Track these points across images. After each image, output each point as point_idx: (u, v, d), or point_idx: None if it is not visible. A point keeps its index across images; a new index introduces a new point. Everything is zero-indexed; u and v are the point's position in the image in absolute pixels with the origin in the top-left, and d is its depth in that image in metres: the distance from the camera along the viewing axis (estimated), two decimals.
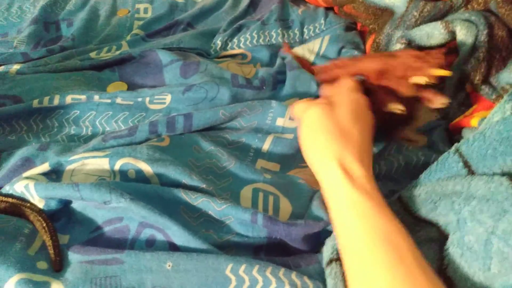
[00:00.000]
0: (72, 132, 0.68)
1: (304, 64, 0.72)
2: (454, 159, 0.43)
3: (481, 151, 0.40)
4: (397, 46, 0.75)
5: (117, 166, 0.56)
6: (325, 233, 0.52)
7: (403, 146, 0.63)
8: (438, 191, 0.46)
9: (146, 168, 0.56)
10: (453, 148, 0.44)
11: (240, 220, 0.51)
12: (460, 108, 0.70)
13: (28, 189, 0.53)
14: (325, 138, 0.49)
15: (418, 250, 0.40)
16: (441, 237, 0.44)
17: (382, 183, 0.58)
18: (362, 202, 0.44)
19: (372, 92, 0.59)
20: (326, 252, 0.49)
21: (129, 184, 0.52)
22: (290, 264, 0.49)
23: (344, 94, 0.54)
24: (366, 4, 0.83)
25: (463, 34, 0.68)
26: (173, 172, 0.55)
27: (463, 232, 0.36)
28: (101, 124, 0.68)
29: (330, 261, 0.48)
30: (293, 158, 0.64)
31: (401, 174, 0.61)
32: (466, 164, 0.42)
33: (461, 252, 0.36)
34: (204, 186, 0.55)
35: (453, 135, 0.67)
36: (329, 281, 0.48)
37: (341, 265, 0.47)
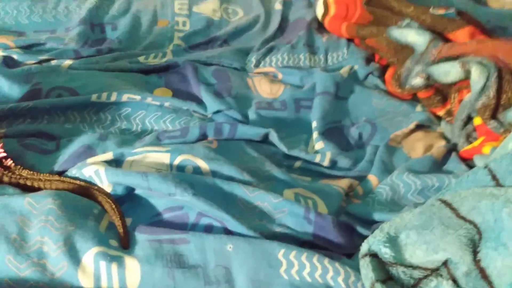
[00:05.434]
0: (123, 127, 0.73)
1: None
2: (484, 172, 0.52)
3: (509, 168, 0.49)
4: (417, 80, 0.85)
5: (176, 161, 0.62)
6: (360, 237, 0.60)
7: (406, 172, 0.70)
8: (478, 192, 0.54)
9: (203, 165, 0.62)
10: (483, 164, 0.53)
11: (294, 214, 0.58)
12: (468, 139, 0.79)
13: (98, 174, 0.58)
14: None
15: None
16: (477, 235, 0.51)
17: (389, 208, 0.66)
18: None
19: None
20: (363, 248, 0.56)
21: (193, 176, 0.58)
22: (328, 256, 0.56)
23: None
24: (389, 40, 0.93)
25: (477, 74, 0.78)
26: (227, 170, 0.62)
27: (500, 229, 0.44)
28: (150, 123, 0.75)
29: (365, 255, 0.55)
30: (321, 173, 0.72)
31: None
32: (494, 178, 0.50)
33: (495, 246, 0.44)
34: (254, 183, 0.62)
35: (463, 161, 0.76)
36: (362, 271, 0.55)
37: (372, 259, 0.54)
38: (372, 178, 0.71)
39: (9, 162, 0.59)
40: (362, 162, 0.74)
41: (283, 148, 0.72)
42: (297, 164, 0.72)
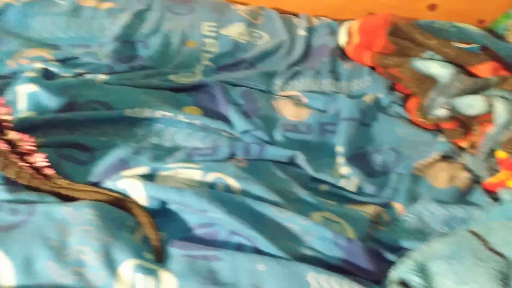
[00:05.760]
0: (154, 142, 0.75)
1: None
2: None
3: None
4: (441, 111, 0.87)
5: (208, 179, 0.64)
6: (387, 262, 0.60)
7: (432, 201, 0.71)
8: (509, 226, 0.55)
9: (234, 183, 0.64)
10: (510, 197, 0.54)
11: (323, 237, 0.58)
12: (491, 172, 0.80)
13: (135, 187, 0.60)
14: None
15: None
16: (509, 269, 0.52)
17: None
18: None
19: None
20: (392, 276, 0.57)
21: (225, 195, 0.60)
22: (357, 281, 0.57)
23: None
24: (413, 70, 0.96)
25: (501, 109, 0.80)
26: (257, 190, 0.64)
27: None
28: (180, 140, 0.76)
29: (394, 283, 0.56)
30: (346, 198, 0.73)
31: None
32: None
33: None
34: (283, 204, 0.63)
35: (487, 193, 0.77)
36: None
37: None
38: (397, 206, 0.72)
39: (50, 171, 0.60)
40: (386, 189, 0.75)
41: (310, 170, 0.73)
42: (323, 187, 0.74)
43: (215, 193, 0.60)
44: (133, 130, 0.75)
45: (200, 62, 0.99)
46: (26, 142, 0.59)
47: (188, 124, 0.78)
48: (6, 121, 0.58)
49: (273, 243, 0.56)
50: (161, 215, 0.60)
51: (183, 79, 0.90)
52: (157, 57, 0.97)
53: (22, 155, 0.59)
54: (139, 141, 0.74)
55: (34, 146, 0.59)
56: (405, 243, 0.63)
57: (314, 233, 0.59)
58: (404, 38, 1.06)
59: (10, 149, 0.59)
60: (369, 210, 0.69)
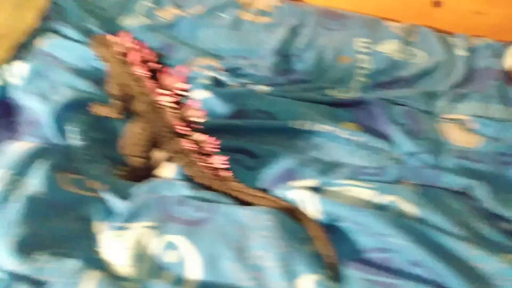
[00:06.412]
0: (313, 155, 0.74)
1: None
2: None
3: None
4: None
5: (381, 200, 0.60)
6: None
7: None
8: None
9: (411, 209, 0.59)
10: None
11: None
12: None
13: (308, 199, 0.59)
14: None
15: None
16: None
17: None
18: None
19: None
20: None
21: (405, 221, 0.55)
22: None
23: None
24: None
25: None
26: (437, 219, 0.58)
27: None
28: (338, 155, 0.74)
29: None
30: None
31: None
32: None
33: None
34: (467, 239, 0.56)
35: None
36: None
37: None
38: None
39: (227, 173, 0.63)
40: None
41: (491, 205, 0.65)
42: (503, 225, 0.65)
43: (395, 217, 0.56)
44: (293, 141, 0.75)
45: (354, 78, 0.96)
46: (210, 144, 0.62)
47: (346, 140, 0.76)
48: (197, 123, 0.62)
49: (466, 283, 0.50)
50: (330, 231, 0.58)
51: (340, 94, 0.88)
52: (311, 71, 0.97)
53: (204, 155, 0.63)
54: (299, 153, 0.74)
55: (216, 148, 0.62)
56: None
57: (511, 279, 0.52)
58: None
59: (194, 149, 0.62)
60: None
